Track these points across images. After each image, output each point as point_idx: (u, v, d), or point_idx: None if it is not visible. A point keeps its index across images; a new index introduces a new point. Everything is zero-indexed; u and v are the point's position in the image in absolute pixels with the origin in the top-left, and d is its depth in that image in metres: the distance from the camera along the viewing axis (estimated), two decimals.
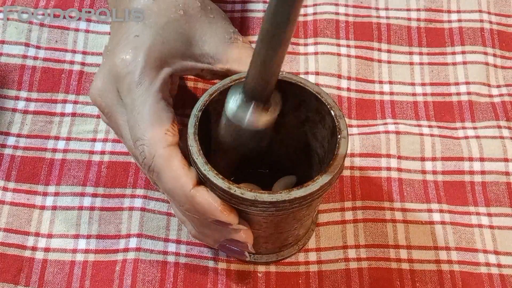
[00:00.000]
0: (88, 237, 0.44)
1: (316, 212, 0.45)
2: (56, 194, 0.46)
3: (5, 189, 0.46)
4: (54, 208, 0.46)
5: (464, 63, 0.53)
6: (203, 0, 0.42)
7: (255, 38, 0.53)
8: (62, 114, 0.49)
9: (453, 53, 0.54)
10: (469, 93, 0.51)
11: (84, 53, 0.52)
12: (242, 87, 0.34)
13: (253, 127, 0.35)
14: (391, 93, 0.52)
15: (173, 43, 0.40)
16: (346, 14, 0.55)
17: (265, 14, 0.29)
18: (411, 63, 0.53)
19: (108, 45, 0.42)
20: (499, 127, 0.50)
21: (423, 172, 0.48)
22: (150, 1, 0.41)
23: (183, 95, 0.50)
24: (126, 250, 0.44)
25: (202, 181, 0.36)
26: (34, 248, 0.44)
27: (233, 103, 0.35)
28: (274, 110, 0.35)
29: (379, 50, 0.54)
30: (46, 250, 0.44)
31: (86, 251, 0.44)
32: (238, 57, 0.41)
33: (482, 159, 0.48)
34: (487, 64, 0.53)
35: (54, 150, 0.48)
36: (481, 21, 0.55)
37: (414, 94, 0.52)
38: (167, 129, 0.37)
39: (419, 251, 0.44)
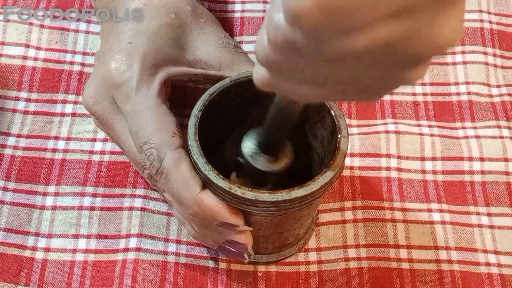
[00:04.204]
0: (88, 237, 0.44)
1: (316, 212, 0.45)
2: (56, 194, 0.46)
3: (5, 189, 0.46)
4: (54, 208, 0.46)
5: (464, 63, 0.53)
6: (193, 4, 0.43)
7: (254, 38, 0.53)
8: (62, 114, 0.49)
9: (453, 53, 0.54)
10: (469, 93, 0.51)
11: (84, 54, 0.52)
12: (255, 137, 0.38)
13: (265, 169, 0.38)
14: (391, 93, 0.52)
15: (166, 50, 0.40)
16: None
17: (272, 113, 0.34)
18: None
19: (100, 51, 0.42)
20: (499, 127, 0.50)
21: (423, 172, 0.48)
22: (141, 5, 0.41)
23: (183, 95, 0.50)
24: (126, 250, 0.44)
25: (203, 182, 0.36)
26: (34, 248, 0.44)
27: (247, 149, 0.38)
28: (283, 160, 0.38)
29: None
30: (46, 250, 0.44)
31: (86, 251, 0.44)
32: (231, 63, 0.41)
33: (482, 159, 0.48)
34: (487, 64, 0.53)
35: (54, 150, 0.48)
36: (481, 21, 0.55)
37: (414, 94, 0.52)
38: (174, 132, 0.37)
39: (419, 250, 0.44)
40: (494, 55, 0.54)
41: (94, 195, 0.46)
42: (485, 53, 0.53)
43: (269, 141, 0.37)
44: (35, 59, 0.51)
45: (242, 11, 0.56)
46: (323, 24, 0.22)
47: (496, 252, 0.45)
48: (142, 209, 0.45)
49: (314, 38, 0.23)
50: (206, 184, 0.36)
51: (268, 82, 0.28)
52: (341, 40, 0.23)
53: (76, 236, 0.45)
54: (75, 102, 0.50)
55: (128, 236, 0.44)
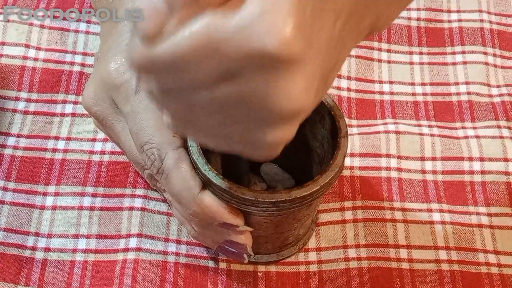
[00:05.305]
0: (88, 237, 0.44)
1: (316, 212, 0.45)
2: (56, 194, 0.46)
3: (5, 189, 0.46)
4: (54, 208, 0.46)
5: (464, 63, 0.53)
6: None
7: None
8: (62, 115, 0.50)
9: (453, 53, 0.54)
10: (469, 93, 0.51)
11: (84, 54, 0.52)
12: None
13: None
14: (391, 93, 0.52)
15: None
16: None
17: None
18: (411, 63, 0.53)
19: (99, 51, 0.42)
20: (499, 127, 0.50)
21: (423, 172, 0.48)
22: None
23: None
24: (126, 250, 0.44)
25: (203, 182, 0.36)
26: (34, 248, 0.44)
27: None
28: None
29: (379, 49, 0.54)
30: (46, 250, 0.44)
31: (86, 251, 0.44)
32: None
33: (482, 159, 0.48)
34: (487, 64, 0.53)
35: (54, 150, 0.48)
36: (481, 21, 0.55)
37: (414, 94, 0.52)
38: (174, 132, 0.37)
39: (419, 250, 0.44)
40: (494, 55, 0.54)
41: (94, 195, 0.46)
42: (485, 53, 0.53)
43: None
44: (35, 59, 0.51)
45: None
46: (154, 75, 0.24)
47: (496, 252, 0.45)
48: (142, 209, 0.45)
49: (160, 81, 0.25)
50: (206, 184, 0.36)
51: (173, 128, 0.29)
52: (182, 92, 0.24)
53: (76, 236, 0.45)
54: (75, 102, 0.50)
55: (128, 236, 0.44)
